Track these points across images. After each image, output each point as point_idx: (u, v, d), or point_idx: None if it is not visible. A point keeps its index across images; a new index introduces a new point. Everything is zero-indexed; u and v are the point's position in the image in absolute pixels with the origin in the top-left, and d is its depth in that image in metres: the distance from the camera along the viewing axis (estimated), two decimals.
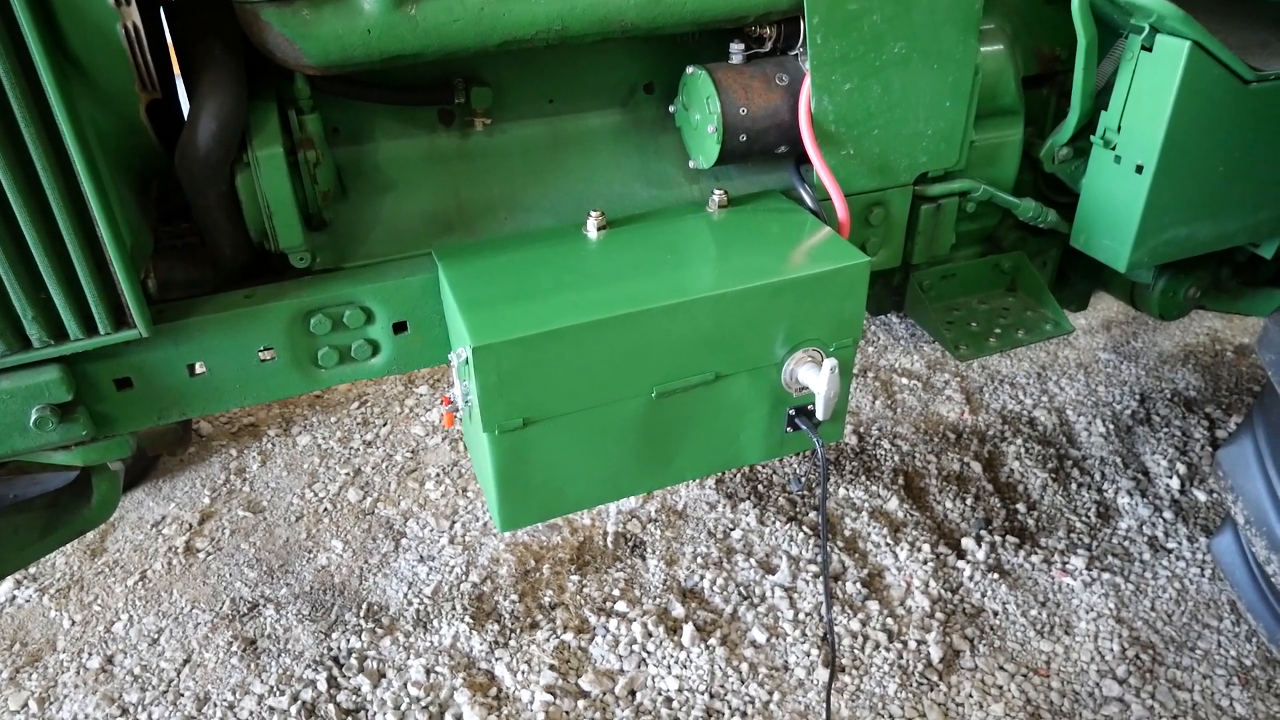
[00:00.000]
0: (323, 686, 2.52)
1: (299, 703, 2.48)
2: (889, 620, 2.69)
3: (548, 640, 2.64)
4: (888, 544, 2.93)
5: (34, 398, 1.54)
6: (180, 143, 1.57)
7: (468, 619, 2.71)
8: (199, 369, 1.71)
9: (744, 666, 2.56)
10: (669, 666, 2.56)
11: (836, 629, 2.66)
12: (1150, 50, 1.97)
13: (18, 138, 1.32)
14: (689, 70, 1.91)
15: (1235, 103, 2.03)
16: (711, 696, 2.48)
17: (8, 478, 1.92)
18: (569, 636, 2.65)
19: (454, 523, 3.09)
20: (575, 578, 2.85)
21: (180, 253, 1.75)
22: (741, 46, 1.92)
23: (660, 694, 2.49)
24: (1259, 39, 2.24)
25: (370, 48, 1.58)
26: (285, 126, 1.67)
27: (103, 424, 1.68)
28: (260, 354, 1.73)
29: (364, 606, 2.78)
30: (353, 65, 1.60)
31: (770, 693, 2.49)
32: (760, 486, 3.18)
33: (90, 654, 2.66)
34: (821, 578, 2.79)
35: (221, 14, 1.57)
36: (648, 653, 2.60)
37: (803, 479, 3.21)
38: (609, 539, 2.99)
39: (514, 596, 2.79)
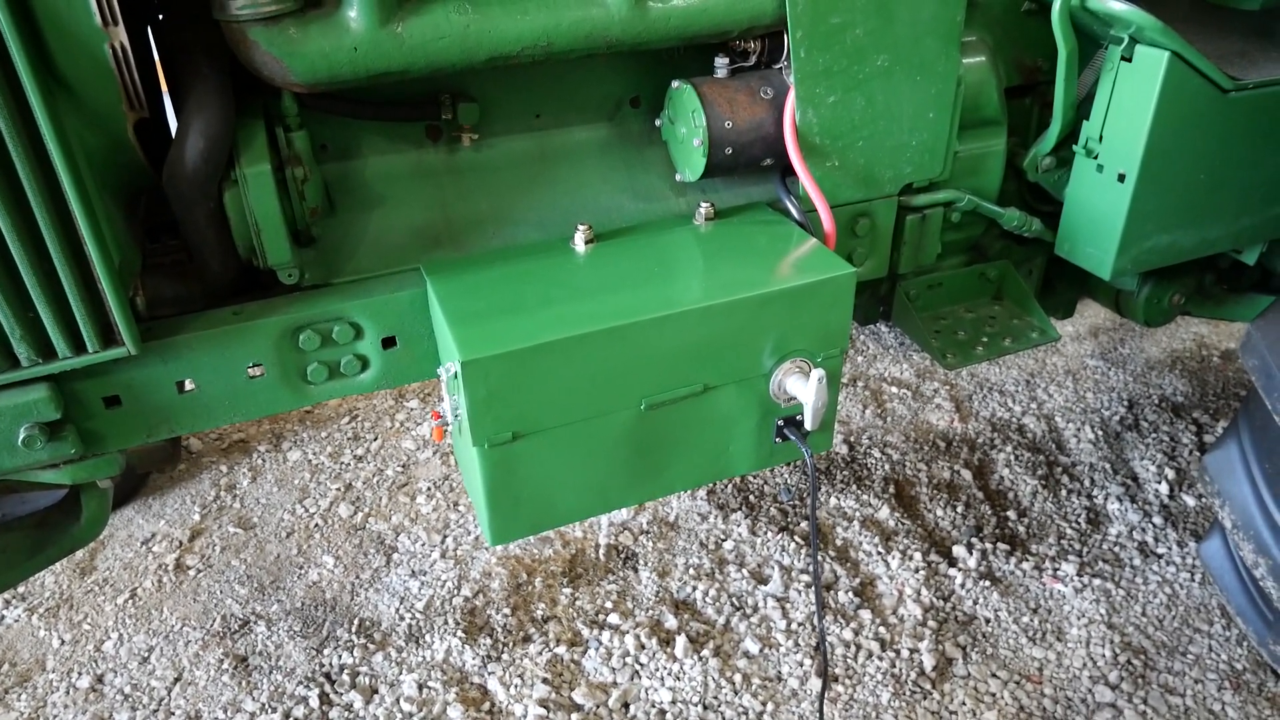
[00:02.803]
0: (315, 703, 2.51)
1: None
2: (881, 629, 2.69)
3: (540, 653, 2.64)
4: (879, 553, 2.94)
5: (22, 416, 1.54)
6: (168, 160, 1.57)
7: (460, 633, 2.70)
8: (188, 386, 1.71)
9: (737, 677, 2.56)
10: (662, 678, 2.56)
11: (829, 638, 2.66)
12: (1130, 61, 2.00)
13: (5, 157, 1.32)
14: (674, 84, 1.93)
15: (1215, 111, 2.06)
16: (705, 708, 2.48)
17: None
18: (562, 649, 2.65)
19: (445, 537, 3.09)
20: (567, 590, 2.84)
21: (168, 270, 1.75)
22: (726, 60, 1.94)
23: (654, 706, 2.49)
24: (1237, 48, 2.27)
25: (357, 65, 1.59)
26: (273, 144, 1.68)
27: (91, 442, 1.67)
28: (249, 370, 1.73)
29: (356, 622, 2.77)
30: (340, 82, 1.61)
31: (764, 703, 2.49)
32: (751, 497, 3.19)
33: (80, 673, 2.64)
34: (813, 587, 2.80)
35: (209, 33, 1.57)
36: (641, 665, 2.60)
37: (793, 489, 3.21)
38: (601, 551, 2.99)
39: (506, 610, 2.78)
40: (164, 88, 1.81)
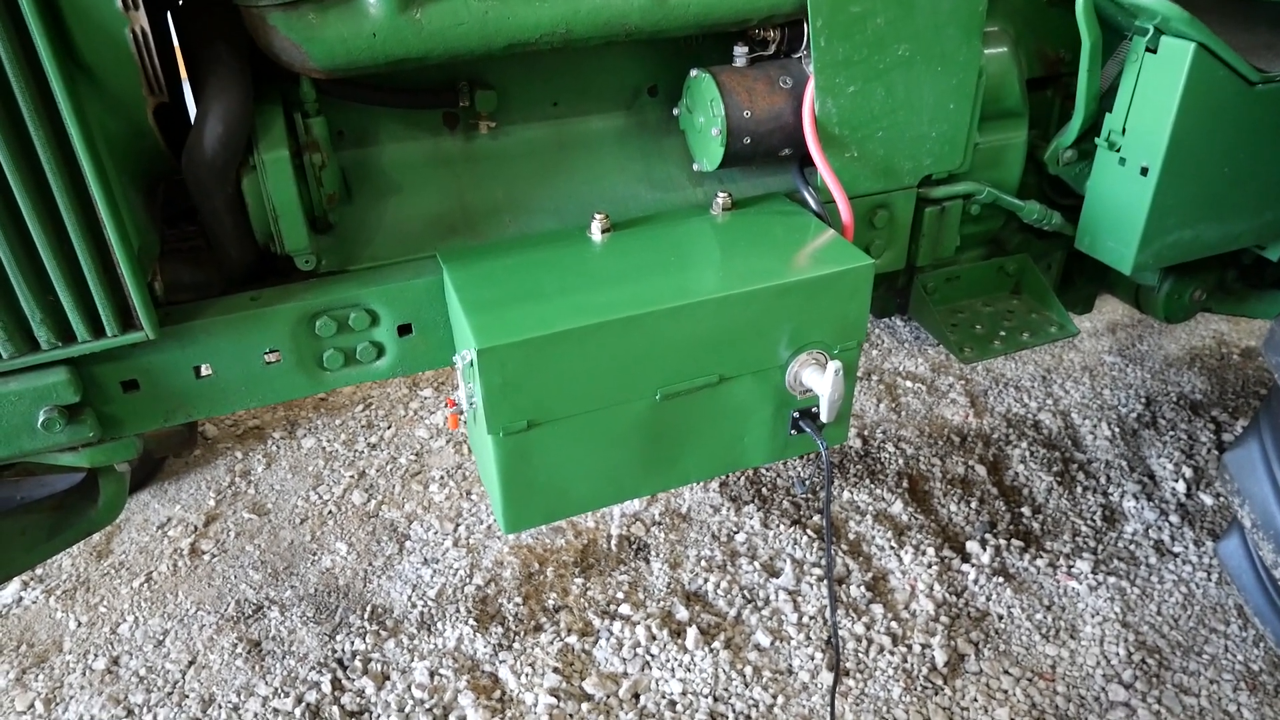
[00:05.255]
0: (327, 689, 2.53)
1: (303, 705, 2.49)
2: (893, 624, 2.68)
3: (551, 643, 2.64)
4: (892, 547, 2.93)
5: (42, 399, 1.55)
6: (187, 146, 1.58)
7: (472, 621, 2.71)
8: (205, 371, 1.72)
9: (748, 670, 2.55)
10: (673, 669, 2.56)
11: (840, 632, 2.65)
12: (1155, 52, 1.98)
13: (27, 141, 1.33)
14: (693, 73, 1.92)
15: (1240, 104, 2.03)
16: (715, 700, 2.48)
17: (15, 479, 1.93)
18: (573, 639, 2.65)
19: (458, 525, 3.10)
20: (579, 580, 2.85)
21: (186, 255, 1.76)
22: (745, 49, 1.93)
23: (664, 697, 2.49)
24: (1263, 40, 2.24)
25: (375, 51, 1.58)
26: (291, 130, 1.68)
27: (110, 426, 1.68)
28: (266, 356, 1.74)
29: (368, 609, 2.78)
30: (358, 69, 1.61)
31: (774, 696, 2.49)
32: (764, 490, 3.18)
33: (96, 655, 2.67)
34: (826, 581, 2.79)
35: (228, 18, 1.57)
36: (652, 656, 2.60)
37: (807, 482, 3.20)
38: (613, 542, 2.99)
39: (518, 599, 2.79)
40: (183, 73, 1.81)
